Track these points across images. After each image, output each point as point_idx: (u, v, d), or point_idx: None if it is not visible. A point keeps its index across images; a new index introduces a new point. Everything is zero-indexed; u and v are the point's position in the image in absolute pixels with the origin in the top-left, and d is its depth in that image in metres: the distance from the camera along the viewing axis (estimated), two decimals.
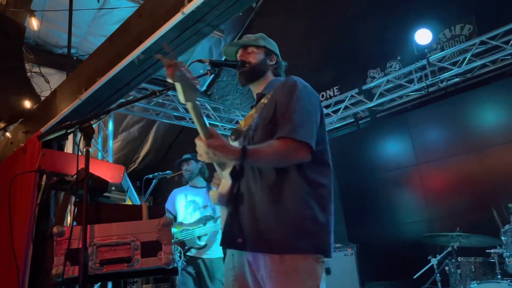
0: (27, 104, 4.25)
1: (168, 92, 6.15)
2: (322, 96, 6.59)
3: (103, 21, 5.76)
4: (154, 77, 4.28)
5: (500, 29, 4.87)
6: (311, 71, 6.50)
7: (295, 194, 1.65)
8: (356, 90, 6.03)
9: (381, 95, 5.84)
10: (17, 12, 4.43)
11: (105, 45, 3.50)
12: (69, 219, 3.95)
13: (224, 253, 2.82)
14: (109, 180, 2.06)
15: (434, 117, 5.60)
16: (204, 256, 3.97)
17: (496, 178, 4.71)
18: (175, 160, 4.45)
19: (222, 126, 6.77)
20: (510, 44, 4.85)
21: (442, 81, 5.37)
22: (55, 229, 1.74)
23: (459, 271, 3.61)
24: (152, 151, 8.06)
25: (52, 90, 4.29)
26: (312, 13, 6.32)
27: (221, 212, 1.87)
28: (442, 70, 5.32)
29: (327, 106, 6.36)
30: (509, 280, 3.26)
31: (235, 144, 1.83)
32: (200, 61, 1.99)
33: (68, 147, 5.43)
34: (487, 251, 3.56)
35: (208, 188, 4.24)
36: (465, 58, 5.10)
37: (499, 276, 3.38)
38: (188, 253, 3.96)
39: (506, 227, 3.39)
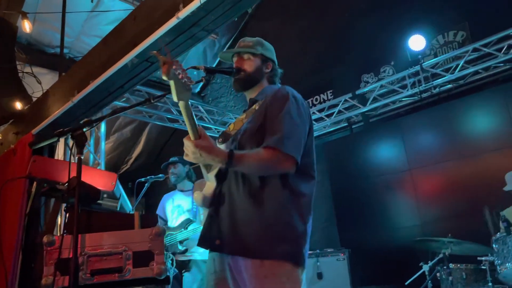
0: (18, 105, 4.20)
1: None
2: (316, 99, 6.59)
3: (96, 21, 5.71)
4: (149, 79, 4.26)
5: (493, 36, 4.90)
6: (306, 74, 6.51)
7: (276, 200, 1.67)
8: (350, 95, 6.04)
9: (375, 100, 5.86)
10: (9, 12, 4.37)
11: (98, 47, 3.46)
12: (59, 227, 3.89)
13: None
14: (101, 188, 2.04)
15: (427, 123, 5.64)
16: (193, 258, 3.93)
17: (487, 184, 4.73)
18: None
19: (215, 128, 6.75)
20: (502, 51, 4.89)
21: (435, 87, 5.40)
22: (45, 239, 1.70)
23: (450, 278, 3.62)
24: (144, 152, 8.00)
25: (44, 91, 4.24)
26: (307, 17, 6.32)
27: (203, 214, 1.87)
28: (435, 76, 5.35)
29: (320, 110, 6.36)
30: None
31: (222, 147, 1.83)
32: (195, 67, 1.97)
33: (60, 148, 5.37)
34: (478, 258, 3.58)
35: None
36: (458, 64, 5.13)
37: (490, 284, 3.40)
38: (179, 258, 3.93)
39: (498, 235, 3.41)
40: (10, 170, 3.63)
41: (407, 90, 5.52)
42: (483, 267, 3.56)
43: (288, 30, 6.41)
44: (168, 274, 1.95)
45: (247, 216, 1.66)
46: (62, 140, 4.64)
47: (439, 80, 5.28)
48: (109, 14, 5.59)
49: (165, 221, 4.24)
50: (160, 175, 4.25)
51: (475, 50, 5.05)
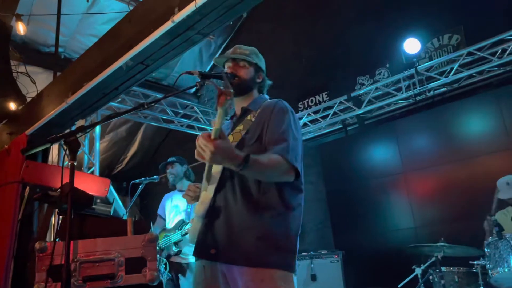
0: (12, 105, 4.18)
1: (157, 96, 6.11)
2: (311, 101, 6.60)
3: (92, 20, 5.68)
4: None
5: (487, 40, 4.93)
6: (301, 76, 6.52)
7: (272, 212, 1.72)
8: (345, 97, 6.05)
9: (370, 102, 5.88)
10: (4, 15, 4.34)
11: (93, 49, 3.45)
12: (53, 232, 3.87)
13: None
14: (94, 194, 2.03)
15: (421, 126, 5.67)
16: (184, 261, 3.91)
17: (481, 187, 4.76)
18: (162, 162, 4.42)
19: (211, 130, 6.73)
20: (496, 55, 4.92)
21: (429, 90, 5.42)
22: (37, 245, 1.70)
23: (442, 281, 3.65)
24: (139, 152, 7.99)
25: (39, 91, 4.22)
26: (303, 18, 6.32)
27: (192, 223, 1.88)
28: (430, 79, 5.37)
29: (316, 112, 6.38)
30: None
31: None
32: (189, 73, 1.97)
33: (54, 148, 5.35)
34: (470, 262, 3.61)
35: None
36: (452, 68, 5.16)
37: (482, 287, 3.43)
38: (175, 261, 3.91)
39: (490, 239, 3.44)
40: (3, 170, 3.62)
41: (402, 93, 5.54)
42: (475, 270, 3.60)
43: (284, 32, 6.41)
44: (161, 278, 1.95)
45: (244, 226, 1.69)
46: None
47: (434, 83, 5.31)
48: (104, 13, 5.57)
49: (165, 221, 4.24)
50: (155, 176, 4.24)
51: (469, 54, 5.08)
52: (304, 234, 5.89)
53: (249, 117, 1.88)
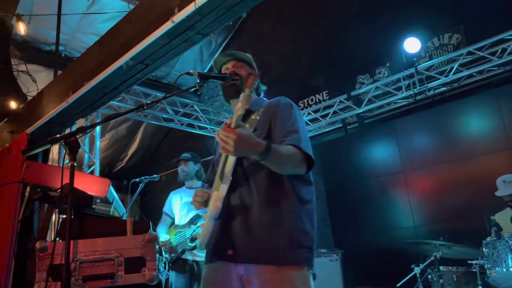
0: (13, 104, 4.20)
1: (158, 94, 6.12)
2: (312, 100, 6.61)
3: (92, 19, 5.70)
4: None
5: (487, 40, 4.94)
6: (301, 75, 6.52)
7: (289, 208, 1.72)
8: (345, 96, 6.06)
9: (370, 101, 5.88)
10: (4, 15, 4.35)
11: (93, 48, 3.46)
12: (53, 231, 3.87)
13: None
14: (94, 194, 2.05)
15: (421, 125, 5.68)
16: (198, 259, 3.85)
17: (480, 187, 4.78)
18: (162, 160, 4.42)
19: (211, 128, 6.75)
20: (496, 55, 4.92)
21: (429, 90, 5.43)
22: (37, 244, 1.72)
23: (441, 280, 3.66)
24: (139, 150, 8.01)
25: (39, 89, 4.24)
26: (303, 17, 6.33)
27: (202, 226, 1.83)
28: (430, 78, 5.38)
29: (316, 111, 6.39)
30: None
31: (234, 159, 1.81)
32: (188, 73, 1.98)
33: (54, 147, 5.37)
34: (468, 261, 3.62)
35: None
36: (453, 67, 5.16)
37: (480, 287, 3.44)
38: (183, 256, 3.83)
39: (488, 239, 3.45)
40: (4, 170, 3.63)
41: (402, 92, 5.55)
42: (473, 270, 3.60)
43: (284, 30, 6.42)
44: (160, 278, 1.96)
45: (264, 226, 1.68)
46: None
47: (434, 83, 5.32)
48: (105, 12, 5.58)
49: (172, 219, 4.14)
50: (155, 175, 4.23)
51: (469, 53, 5.08)
52: None
53: (253, 116, 1.88)
